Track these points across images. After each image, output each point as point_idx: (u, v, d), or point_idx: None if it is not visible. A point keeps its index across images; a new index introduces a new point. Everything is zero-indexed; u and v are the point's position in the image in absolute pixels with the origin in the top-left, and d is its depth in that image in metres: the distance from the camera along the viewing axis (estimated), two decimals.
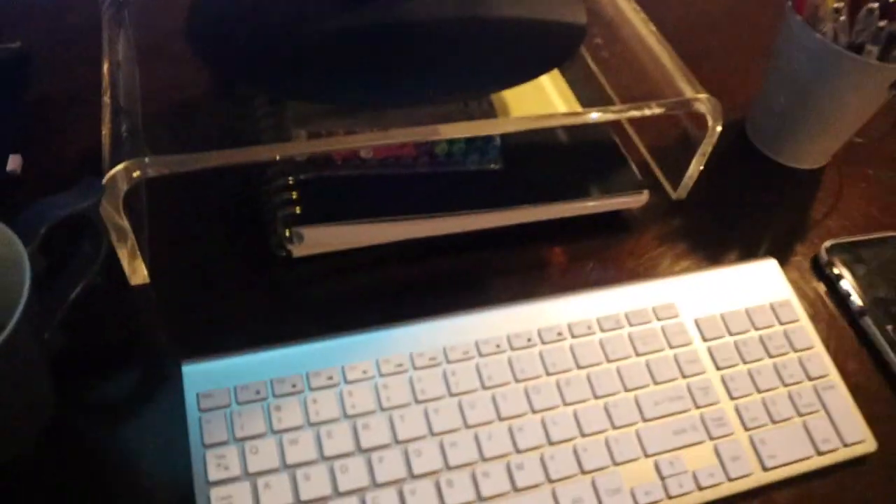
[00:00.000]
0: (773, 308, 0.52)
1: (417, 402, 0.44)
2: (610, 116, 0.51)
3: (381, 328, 0.47)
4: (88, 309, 0.47)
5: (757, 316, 0.51)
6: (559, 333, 0.48)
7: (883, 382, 0.52)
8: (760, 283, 0.53)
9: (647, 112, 0.53)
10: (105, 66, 0.51)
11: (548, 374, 0.46)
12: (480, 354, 0.47)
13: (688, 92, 0.54)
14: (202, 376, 0.44)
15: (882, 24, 0.53)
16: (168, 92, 0.60)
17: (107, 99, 0.48)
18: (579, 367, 0.47)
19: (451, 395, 0.45)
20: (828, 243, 0.58)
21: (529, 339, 0.48)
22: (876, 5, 0.54)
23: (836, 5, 0.55)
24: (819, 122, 0.61)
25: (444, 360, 0.46)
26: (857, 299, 0.55)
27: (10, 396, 0.39)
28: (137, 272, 0.49)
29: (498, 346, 0.47)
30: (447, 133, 0.50)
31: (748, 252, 0.58)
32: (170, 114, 0.59)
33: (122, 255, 0.47)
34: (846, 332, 0.54)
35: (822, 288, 0.57)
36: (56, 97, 0.60)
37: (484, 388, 0.45)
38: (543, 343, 0.48)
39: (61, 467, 0.42)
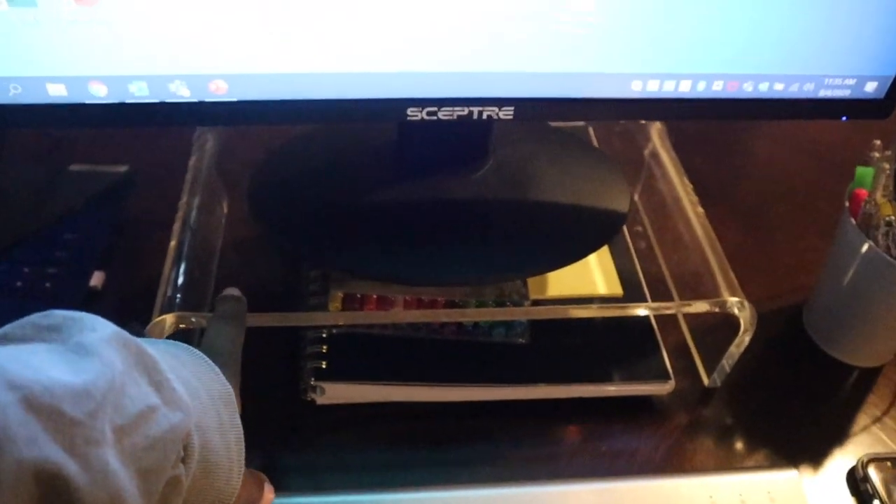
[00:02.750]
0: None
1: None
2: (632, 312, 0.52)
3: (367, 492, 0.49)
4: None
5: None
6: None
7: None
8: (777, 496, 0.52)
9: (676, 311, 0.53)
10: (180, 205, 0.57)
11: None
12: None
13: (724, 293, 0.54)
14: None
15: None
16: (247, 234, 0.66)
17: (173, 243, 0.54)
18: None
19: None
20: (866, 456, 0.55)
21: None
22: None
23: (888, 217, 0.53)
24: (873, 325, 0.59)
25: None
26: None
27: None
28: None
29: None
30: (473, 317, 0.53)
31: (777, 454, 0.56)
32: (238, 257, 0.64)
33: None
34: None
35: None
36: (150, 220, 0.67)
37: None
38: None
39: None
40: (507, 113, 0.49)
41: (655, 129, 0.67)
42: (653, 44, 0.46)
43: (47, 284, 0.61)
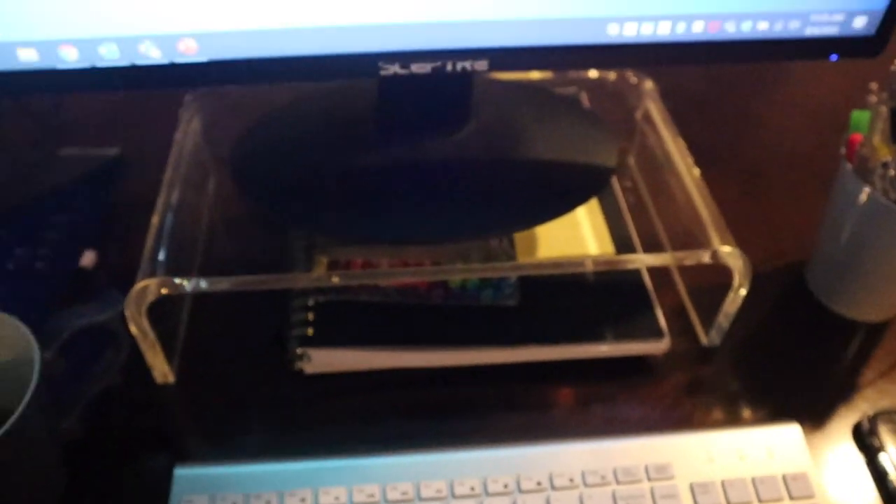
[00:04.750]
0: (785, 480, 0.49)
1: None
2: (622, 264, 0.51)
3: (361, 456, 0.48)
4: (115, 401, 0.52)
5: (764, 487, 0.48)
6: (539, 483, 0.47)
7: None
8: (777, 450, 0.50)
9: (667, 263, 0.52)
10: (165, 179, 0.57)
11: None
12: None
13: (715, 243, 0.52)
14: (190, 481, 0.47)
15: None
16: (234, 203, 0.66)
17: (155, 219, 0.54)
18: None
19: None
20: (872, 410, 0.53)
21: (506, 486, 0.47)
22: None
23: (884, 160, 0.52)
24: (876, 275, 0.57)
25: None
26: (895, 478, 0.50)
27: (16, 478, 0.44)
28: (162, 373, 0.53)
29: (472, 488, 0.47)
30: (459, 274, 0.52)
31: (780, 412, 0.54)
32: (225, 227, 0.64)
33: (148, 356, 0.52)
34: None
35: (861, 461, 0.52)
36: (141, 201, 0.67)
37: None
38: (521, 492, 0.47)
39: None
40: (481, 64, 0.48)
41: (647, 91, 0.66)
42: None
43: (38, 265, 0.61)
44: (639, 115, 0.67)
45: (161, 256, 0.51)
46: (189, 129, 0.62)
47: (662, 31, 0.48)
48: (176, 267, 0.52)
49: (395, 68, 0.47)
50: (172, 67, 0.46)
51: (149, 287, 0.48)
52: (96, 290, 0.56)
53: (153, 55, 0.46)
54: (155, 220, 0.54)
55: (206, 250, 0.61)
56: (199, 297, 0.59)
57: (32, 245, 0.62)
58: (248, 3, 0.44)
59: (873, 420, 0.53)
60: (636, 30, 0.47)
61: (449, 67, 0.47)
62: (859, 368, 0.58)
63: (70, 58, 0.45)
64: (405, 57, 0.47)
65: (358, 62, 0.47)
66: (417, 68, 0.47)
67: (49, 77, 0.45)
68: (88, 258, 0.62)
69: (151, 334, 0.50)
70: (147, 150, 0.70)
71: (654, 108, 0.64)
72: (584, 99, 0.69)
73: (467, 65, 0.47)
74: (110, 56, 0.45)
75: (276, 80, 0.47)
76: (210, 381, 0.55)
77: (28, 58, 0.45)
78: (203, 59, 0.46)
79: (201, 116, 0.63)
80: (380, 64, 0.47)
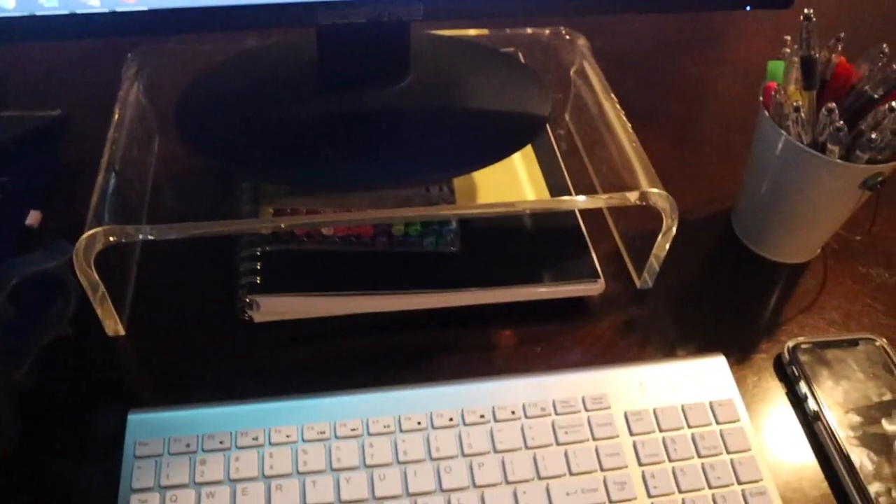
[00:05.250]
0: (711, 406, 0.52)
1: (333, 469, 0.47)
2: (556, 206, 0.53)
3: (311, 396, 0.50)
4: (67, 353, 0.53)
5: (693, 413, 0.51)
6: (482, 416, 0.50)
7: (826, 492, 0.50)
8: (704, 380, 0.53)
9: (599, 203, 0.55)
10: (109, 137, 0.57)
11: (463, 455, 0.48)
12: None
13: (644, 185, 0.55)
14: (144, 425, 0.48)
15: (840, 124, 0.53)
16: (179, 160, 0.66)
17: (101, 175, 0.54)
18: (496, 450, 0.49)
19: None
20: (791, 342, 0.57)
21: (451, 419, 0.49)
22: (834, 106, 0.54)
23: (796, 103, 0.55)
24: (794, 217, 0.60)
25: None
26: (812, 403, 0.54)
27: None
28: (112, 324, 0.54)
29: (419, 423, 0.49)
30: (394, 216, 0.54)
31: (707, 347, 0.57)
32: (171, 182, 0.65)
33: (98, 308, 0.53)
34: (798, 438, 0.53)
35: (782, 389, 0.56)
36: (86, 160, 0.67)
37: (399, 462, 0.48)
38: (465, 424, 0.49)
39: (14, 496, 0.47)
40: (416, 12, 0.49)
41: (580, 46, 0.68)
42: None
43: None
44: (573, 71, 0.69)
45: (108, 208, 0.52)
46: (131, 88, 0.62)
47: None
48: (123, 220, 0.53)
49: (333, 17, 0.48)
50: (113, 16, 0.47)
51: (97, 235, 0.49)
52: (45, 243, 0.56)
53: (93, 3, 0.46)
54: (101, 176, 0.55)
55: (153, 206, 0.62)
56: (147, 250, 0.60)
57: None
58: None
59: (793, 351, 0.56)
60: None
61: (385, 17, 0.49)
62: (781, 306, 0.61)
63: (8, 6, 0.45)
64: (342, 6, 0.48)
65: (297, 11, 0.48)
66: (355, 18, 0.49)
67: None
68: (34, 217, 0.62)
69: (101, 286, 0.51)
70: (90, 111, 0.70)
71: (588, 64, 0.67)
72: (521, 58, 0.71)
73: (403, 13, 0.49)
74: (49, 4, 0.46)
75: (217, 29, 0.48)
76: (160, 333, 0.56)
77: None
78: (142, 7, 0.47)
79: (143, 74, 0.63)
80: (318, 12, 0.48)
